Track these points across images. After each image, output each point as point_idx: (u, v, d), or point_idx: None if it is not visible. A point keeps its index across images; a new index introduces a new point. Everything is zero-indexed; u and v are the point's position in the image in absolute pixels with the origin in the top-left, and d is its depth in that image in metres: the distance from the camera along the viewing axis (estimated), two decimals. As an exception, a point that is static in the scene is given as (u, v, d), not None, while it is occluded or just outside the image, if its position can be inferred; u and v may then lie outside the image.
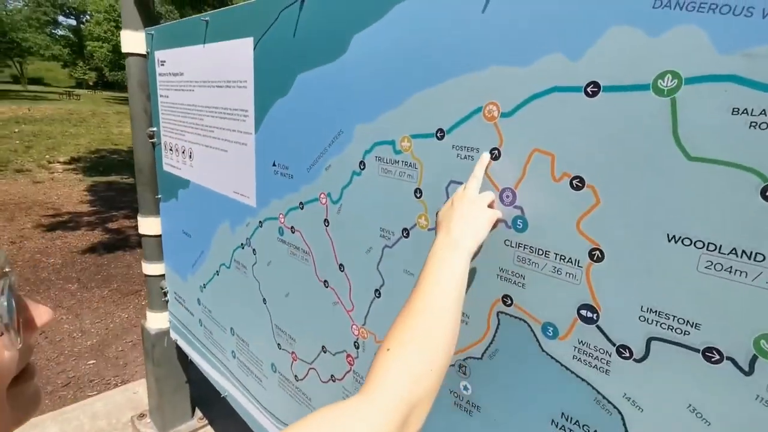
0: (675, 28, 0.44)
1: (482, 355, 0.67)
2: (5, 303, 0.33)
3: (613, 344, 0.52)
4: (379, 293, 0.82)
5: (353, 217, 0.85)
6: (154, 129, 1.65)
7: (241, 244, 1.21)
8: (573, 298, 0.55)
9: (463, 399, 0.71)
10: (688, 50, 0.43)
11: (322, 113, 0.88)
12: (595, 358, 0.54)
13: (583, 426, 0.56)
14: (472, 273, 0.66)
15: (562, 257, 0.55)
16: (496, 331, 0.65)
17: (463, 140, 0.64)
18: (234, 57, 1.10)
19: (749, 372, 0.43)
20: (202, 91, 1.28)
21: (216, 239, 1.34)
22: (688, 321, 0.46)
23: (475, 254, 0.59)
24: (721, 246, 0.43)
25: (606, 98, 0.49)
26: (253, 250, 1.17)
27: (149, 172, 1.74)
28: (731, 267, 0.43)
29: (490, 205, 0.61)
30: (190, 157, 1.41)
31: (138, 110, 1.69)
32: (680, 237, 0.46)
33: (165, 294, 1.83)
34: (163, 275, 1.84)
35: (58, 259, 4.18)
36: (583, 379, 0.56)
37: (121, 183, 7.72)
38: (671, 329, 0.47)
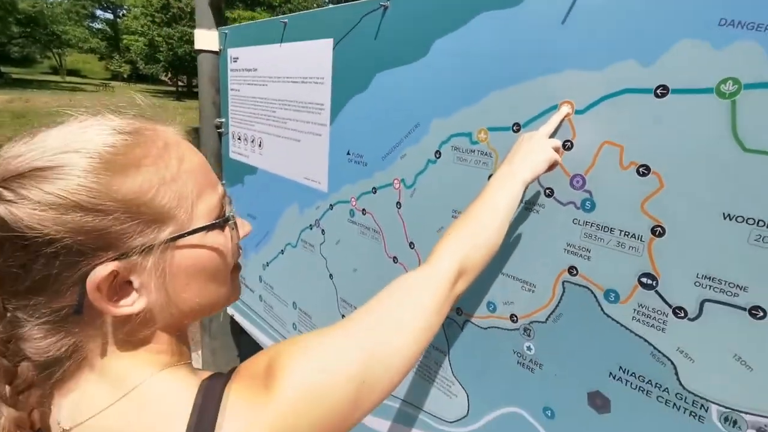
0: (737, 43, 0.53)
1: (546, 319, 0.77)
2: (233, 208, 0.49)
3: (670, 306, 0.62)
4: (449, 267, 0.94)
5: (426, 200, 0.97)
6: (222, 120, 1.80)
7: (310, 225, 1.34)
8: (634, 268, 0.65)
9: (526, 358, 0.82)
10: (748, 61, 0.53)
11: (399, 108, 1.00)
12: (652, 319, 0.64)
13: (639, 377, 0.66)
14: (541, 244, 0.76)
15: (626, 233, 0.65)
16: (561, 298, 0.75)
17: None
18: (312, 56, 1.22)
19: (789, 325, 0.52)
20: (276, 85, 1.41)
21: (282, 221, 1.48)
22: (737, 285, 0.56)
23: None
24: (769, 222, 0.53)
25: (673, 99, 0.59)
26: (322, 230, 1.30)
27: (215, 160, 1.89)
28: (777, 239, 0.52)
29: (556, 150, 0.70)
30: (260, 145, 1.55)
31: (207, 103, 1.84)
32: (734, 215, 0.55)
33: (224, 272, 1.99)
34: (223, 255, 1.99)
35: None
36: (640, 336, 0.66)
37: (158, 172, 8.05)
38: (723, 292, 0.57)
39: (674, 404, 0.63)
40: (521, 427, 0.84)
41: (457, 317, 0.93)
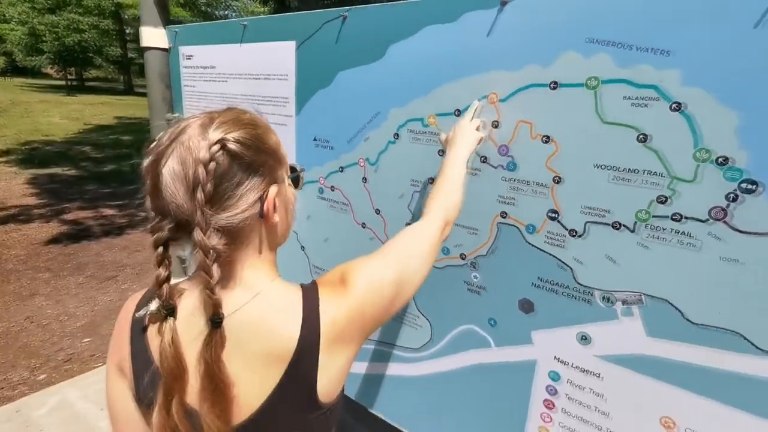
0: (597, 54, 0.83)
1: (487, 253, 1.06)
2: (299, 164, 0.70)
3: (567, 230, 0.93)
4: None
5: (388, 174, 1.21)
6: (176, 114, 1.87)
7: (279, 205, 1.52)
8: (544, 207, 0.95)
9: (474, 285, 1.10)
10: (603, 65, 0.83)
11: (361, 100, 1.22)
12: (557, 240, 0.94)
13: (550, 281, 0.97)
14: (480, 198, 1.04)
15: (538, 183, 0.95)
16: (496, 236, 1.04)
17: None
18: (276, 56, 1.40)
19: (633, 230, 0.84)
20: (237, 82, 1.56)
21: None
22: (604, 209, 0.87)
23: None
24: (619, 167, 0.84)
25: (561, 91, 0.88)
26: (292, 208, 1.48)
27: (168, 153, 1.97)
28: (623, 177, 0.84)
29: (478, 129, 0.99)
30: (221, 137, 1.68)
31: (157, 98, 1.91)
32: (600, 165, 0.86)
33: (183, 261, 2.07)
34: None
35: (21, 250, 4.10)
36: (550, 254, 0.96)
37: (63, 175, 7.38)
38: (597, 215, 0.88)
39: (573, 296, 0.94)
40: (473, 337, 1.12)
41: (419, 264, 1.19)
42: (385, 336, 1.31)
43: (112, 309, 3.23)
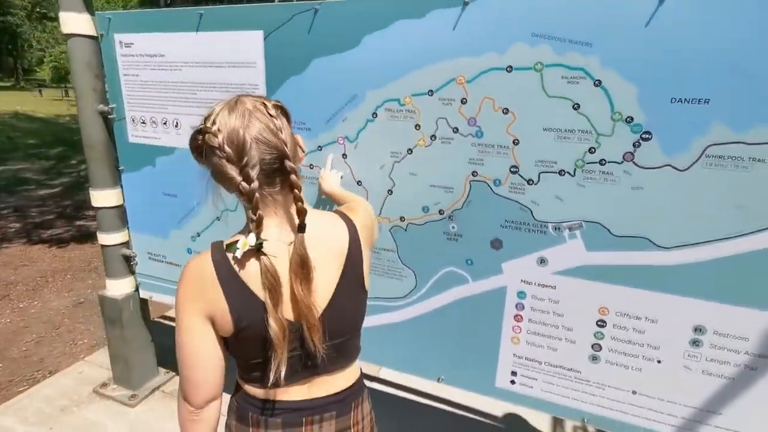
0: (540, 44, 1.11)
1: (462, 206, 1.31)
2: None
3: (525, 179, 1.21)
4: (391, 191, 1.39)
5: (368, 149, 1.38)
6: (113, 105, 1.79)
7: (252, 188, 1.59)
8: (507, 164, 1.22)
9: (452, 235, 1.34)
10: (545, 53, 1.11)
11: (337, 84, 1.37)
12: (518, 189, 1.23)
13: (514, 222, 1.25)
14: (454, 162, 1.28)
15: (500, 146, 1.22)
16: (469, 192, 1.29)
17: (445, 95, 1.25)
18: (241, 44, 1.46)
19: (573, 175, 1.16)
20: (194, 70, 1.57)
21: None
22: (551, 161, 1.17)
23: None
24: (561, 129, 1.14)
25: (515, 73, 1.15)
26: (267, 189, 1.57)
27: (103, 147, 1.86)
28: (564, 136, 1.14)
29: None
30: (176, 126, 1.67)
31: (85, 89, 1.80)
32: (547, 128, 1.15)
33: (130, 259, 1.99)
34: (125, 243, 1.99)
35: None
36: (513, 200, 1.24)
37: None
38: (546, 166, 1.18)
39: (533, 230, 1.24)
40: (454, 277, 1.37)
41: (401, 223, 1.40)
42: (374, 292, 1.50)
43: (15, 330, 2.85)
